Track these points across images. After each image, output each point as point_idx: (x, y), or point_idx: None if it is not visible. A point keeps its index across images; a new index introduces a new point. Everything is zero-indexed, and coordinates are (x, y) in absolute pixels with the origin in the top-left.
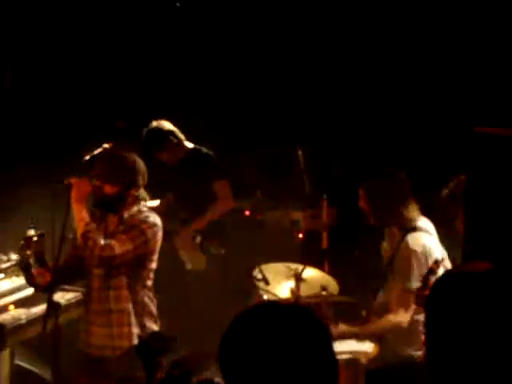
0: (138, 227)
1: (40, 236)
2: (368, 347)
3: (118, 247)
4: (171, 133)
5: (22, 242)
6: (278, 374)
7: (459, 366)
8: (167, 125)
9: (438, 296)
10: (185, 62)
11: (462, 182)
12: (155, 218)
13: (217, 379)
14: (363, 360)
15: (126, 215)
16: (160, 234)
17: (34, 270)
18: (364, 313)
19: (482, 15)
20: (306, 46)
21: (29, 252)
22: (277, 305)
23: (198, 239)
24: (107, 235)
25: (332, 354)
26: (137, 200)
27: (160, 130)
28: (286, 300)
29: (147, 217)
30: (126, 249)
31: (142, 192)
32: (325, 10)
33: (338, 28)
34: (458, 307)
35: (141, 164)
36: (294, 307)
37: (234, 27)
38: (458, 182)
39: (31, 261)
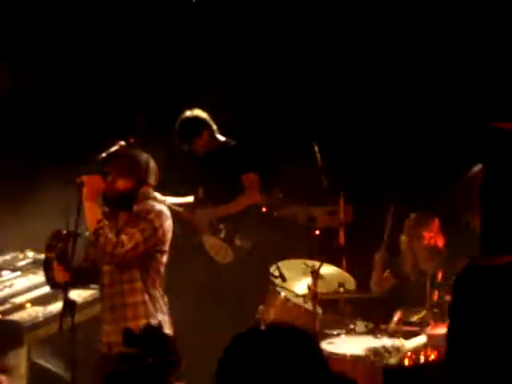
0: (144, 218)
1: (67, 234)
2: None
3: (128, 241)
4: (207, 121)
5: (49, 240)
6: None
7: (479, 362)
8: (202, 113)
9: (460, 290)
10: (205, 56)
11: (479, 175)
12: (161, 207)
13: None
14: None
15: (135, 209)
16: (168, 223)
17: (54, 266)
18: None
19: (495, 10)
20: (325, 40)
21: (53, 249)
22: (273, 329)
23: (223, 233)
24: (118, 232)
25: (328, 374)
26: (147, 198)
27: (197, 118)
28: (282, 321)
29: (153, 206)
30: (136, 241)
31: (152, 192)
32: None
33: (349, 24)
34: (481, 301)
35: (153, 163)
36: (288, 331)
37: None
38: (474, 173)
39: (54, 257)
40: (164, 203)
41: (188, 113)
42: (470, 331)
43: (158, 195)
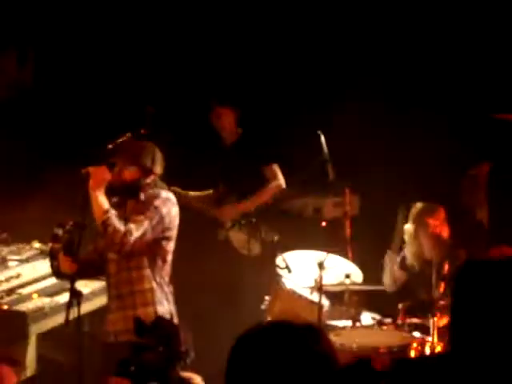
0: (151, 204)
1: (73, 225)
2: None
3: (136, 229)
4: (239, 109)
5: (55, 230)
6: None
7: (483, 354)
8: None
9: (463, 284)
10: (213, 47)
11: (486, 170)
12: (168, 194)
13: None
14: None
15: (142, 197)
16: (175, 210)
17: (60, 257)
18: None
19: (493, 7)
20: (330, 32)
21: (59, 240)
22: (282, 325)
23: (247, 227)
24: (126, 220)
25: (336, 369)
26: (154, 186)
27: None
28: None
29: (159, 192)
30: (144, 229)
31: (159, 182)
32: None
33: (352, 13)
34: (484, 295)
35: (159, 154)
36: (300, 328)
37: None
38: (479, 169)
39: (59, 248)
40: (187, 196)
41: None
42: (472, 326)
43: (178, 190)
